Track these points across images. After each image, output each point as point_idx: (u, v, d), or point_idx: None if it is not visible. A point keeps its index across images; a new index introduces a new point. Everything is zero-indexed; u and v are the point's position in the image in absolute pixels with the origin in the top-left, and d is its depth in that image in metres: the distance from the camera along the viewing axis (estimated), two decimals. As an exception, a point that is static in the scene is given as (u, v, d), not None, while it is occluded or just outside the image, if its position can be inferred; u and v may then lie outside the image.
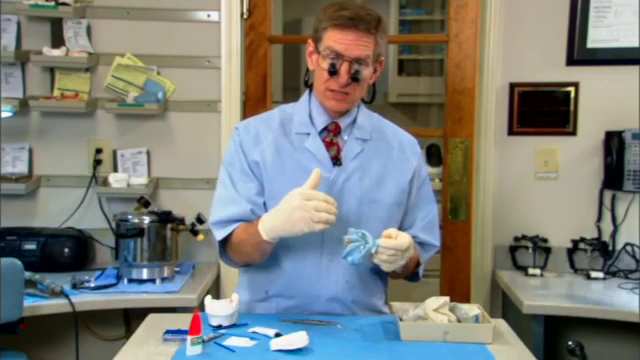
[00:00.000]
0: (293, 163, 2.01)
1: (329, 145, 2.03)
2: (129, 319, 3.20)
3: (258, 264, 2.04)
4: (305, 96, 2.10)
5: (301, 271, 2.01)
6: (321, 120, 2.05)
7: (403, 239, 1.87)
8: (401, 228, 2.03)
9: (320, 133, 2.04)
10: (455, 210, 3.18)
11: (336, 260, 1.99)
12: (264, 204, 2.01)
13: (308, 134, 2.04)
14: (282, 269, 2.02)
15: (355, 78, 1.94)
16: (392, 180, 2.05)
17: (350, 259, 1.84)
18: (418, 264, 2.10)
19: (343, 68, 1.93)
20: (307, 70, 2.09)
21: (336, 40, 1.93)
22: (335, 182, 1.99)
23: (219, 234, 2.02)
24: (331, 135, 2.04)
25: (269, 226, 1.88)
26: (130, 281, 2.84)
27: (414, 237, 2.04)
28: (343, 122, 2.05)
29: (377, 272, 2.09)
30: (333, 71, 1.94)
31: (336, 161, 2.02)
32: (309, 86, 2.10)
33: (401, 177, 2.07)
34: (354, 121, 2.06)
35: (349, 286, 2.03)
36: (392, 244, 1.85)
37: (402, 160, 2.09)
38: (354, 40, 1.92)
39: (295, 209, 1.82)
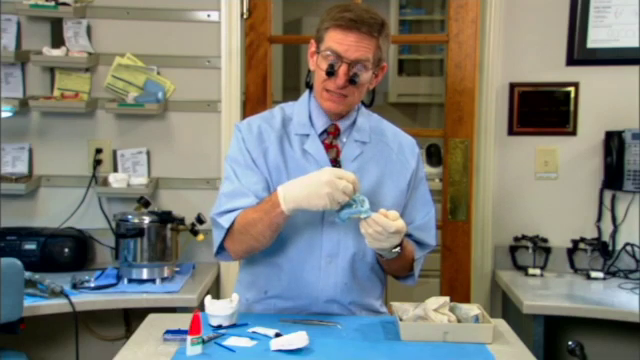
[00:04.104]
0: (293, 164, 2.01)
1: (328, 147, 2.03)
2: (129, 319, 3.20)
3: (259, 259, 2.03)
4: (305, 97, 2.09)
5: (300, 273, 2.00)
6: (321, 122, 2.04)
7: (395, 223, 1.85)
8: None
9: (319, 135, 2.04)
10: (455, 210, 3.18)
11: (335, 262, 2.00)
12: None
13: (307, 135, 2.03)
14: (282, 270, 2.02)
15: (353, 81, 1.93)
16: (391, 182, 2.05)
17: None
18: (413, 261, 2.09)
19: (341, 70, 1.93)
20: (309, 71, 2.08)
21: (337, 41, 1.92)
22: None
23: (225, 221, 1.96)
24: (330, 137, 2.04)
25: (291, 197, 1.85)
26: (130, 281, 2.84)
27: (410, 236, 2.05)
28: (342, 124, 2.05)
29: (375, 273, 2.09)
30: (331, 72, 1.93)
31: (335, 164, 2.01)
32: (309, 87, 2.09)
33: (400, 178, 2.07)
34: (353, 123, 2.06)
35: (347, 288, 2.03)
36: (382, 221, 1.84)
37: (401, 162, 2.09)
38: (355, 42, 1.91)
39: (325, 184, 1.81)
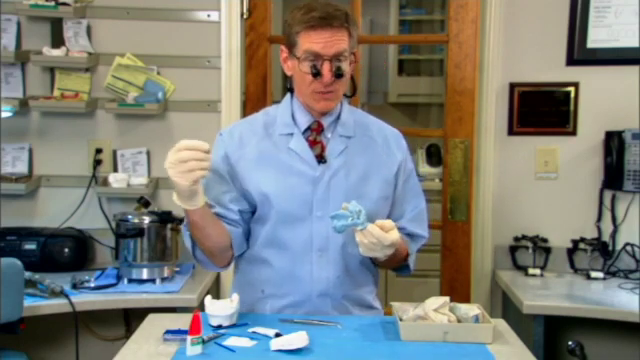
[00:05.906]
0: (278, 164, 2.02)
1: (313, 144, 2.05)
2: (129, 319, 3.20)
3: (252, 259, 2.06)
4: (287, 98, 2.12)
5: (292, 269, 2.02)
6: (304, 120, 2.06)
7: (390, 235, 1.88)
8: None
9: (303, 133, 2.06)
10: (455, 210, 3.17)
11: (326, 256, 2.02)
12: (250, 208, 2.04)
13: (291, 134, 2.05)
14: (275, 268, 2.04)
15: (338, 75, 1.96)
16: (377, 174, 2.07)
17: (335, 222, 1.87)
18: (407, 256, 2.11)
19: (325, 67, 1.95)
20: (286, 76, 2.10)
21: (312, 41, 1.94)
22: (321, 179, 2.01)
23: (187, 239, 2.04)
24: (314, 134, 2.06)
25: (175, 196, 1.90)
26: (130, 281, 2.84)
27: (403, 228, 2.07)
28: (326, 120, 2.07)
29: (366, 266, 2.10)
30: (316, 72, 1.95)
31: (321, 159, 2.03)
32: (290, 90, 2.11)
33: (386, 171, 2.09)
34: (337, 118, 2.08)
35: (340, 281, 2.04)
36: (377, 233, 1.86)
37: (387, 154, 2.11)
38: (330, 37, 1.94)
39: (169, 170, 1.83)
